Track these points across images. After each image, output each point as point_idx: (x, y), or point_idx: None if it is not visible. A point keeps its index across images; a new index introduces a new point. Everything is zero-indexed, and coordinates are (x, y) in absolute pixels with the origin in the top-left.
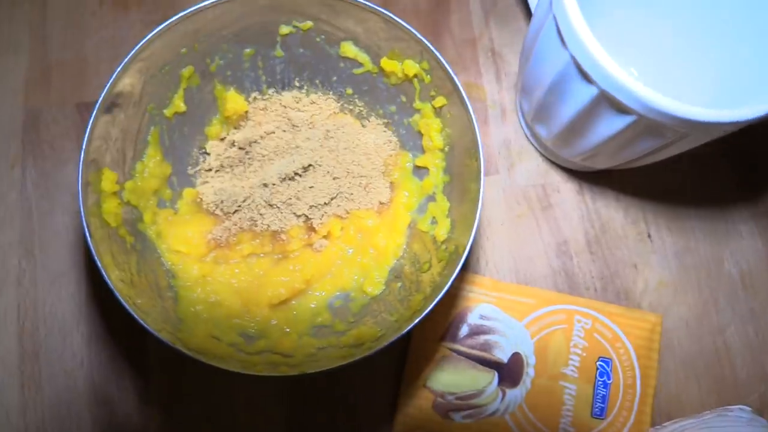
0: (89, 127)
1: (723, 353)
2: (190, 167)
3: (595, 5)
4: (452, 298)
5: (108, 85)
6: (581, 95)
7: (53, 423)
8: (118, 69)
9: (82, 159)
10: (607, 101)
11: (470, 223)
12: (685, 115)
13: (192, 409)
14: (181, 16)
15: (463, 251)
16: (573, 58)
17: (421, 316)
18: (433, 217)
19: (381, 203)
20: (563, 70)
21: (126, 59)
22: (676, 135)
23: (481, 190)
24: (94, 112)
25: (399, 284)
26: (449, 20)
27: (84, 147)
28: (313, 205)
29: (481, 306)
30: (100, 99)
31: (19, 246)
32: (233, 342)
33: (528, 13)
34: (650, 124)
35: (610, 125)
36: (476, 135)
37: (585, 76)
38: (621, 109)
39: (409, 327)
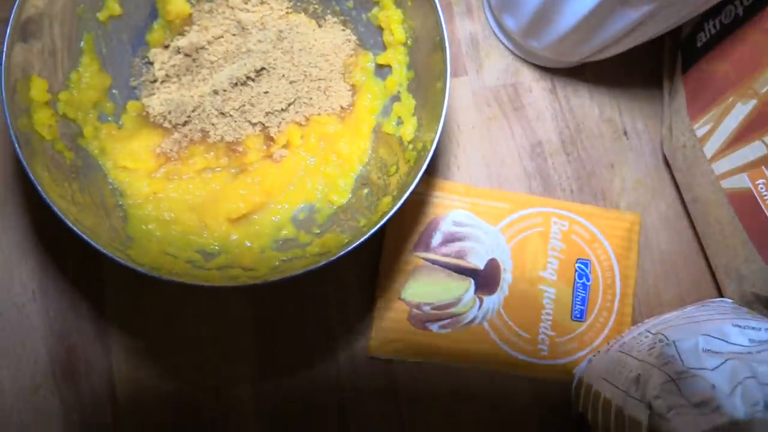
0: (9, 27)
1: (702, 250)
2: (133, 78)
3: None
4: (423, 205)
5: None
6: None
7: (7, 362)
8: None
9: (3, 64)
10: None
11: (437, 116)
12: None
13: (154, 334)
14: None
15: (431, 146)
16: None
17: (389, 215)
18: (399, 118)
19: (342, 107)
20: None
21: None
22: (650, 5)
23: (448, 80)
24: (10, 23)
25: (366, 191)
26: None
27: (5, 51)
28: (269, 112)
29: (454, 212)
30: (15, 8)
31: None
32: (190, 258)
33: None
34: None
35: (580, 3)
36: (440, 20)
37: None
38: None
39: (375, 228)
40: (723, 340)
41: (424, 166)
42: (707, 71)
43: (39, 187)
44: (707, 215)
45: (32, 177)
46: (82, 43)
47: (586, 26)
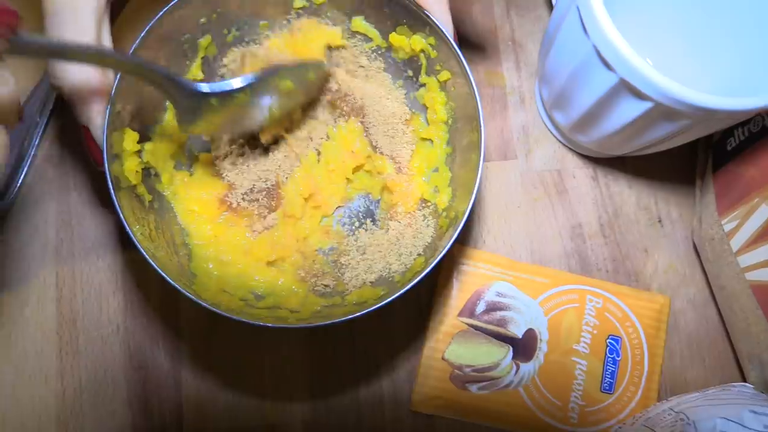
0: (113, 91)
1: (727, 335)
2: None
3: None
4: (470, 275)
5: (129, 53)
6: (601, 83)
7: (89, 387)
8: (140, 36)
9: (107, 120)
10: (625, 88)
11: (470, 190)
12: (698, 102)
13: (220, 371)
14: None
15: (462, 217)
16: (595, 47)
17: (421, 275)
18: (436, 186)
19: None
20: (585, 59)
21: (147, 28)
22: (689, 121)
23: (481, 159)
24: (117, 79)
25: None
26: (471, 10)
27: (108, 110)
28: None
29: (498, 284)
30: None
31: (57, 218)
32: (244, 297)
33: (548, 3)
34: (665, 111)
35: (627, 111)
36: (478, 107)
37: (606, 65)
38: (639, 95)
39: (408, 285)
40: (739, 424)
41: (456, 234)
42: (735, 173)
43: (125, 223)
44: (732, 303)
45: (121, 214)
46: (167, 101)
47: (629, 131)
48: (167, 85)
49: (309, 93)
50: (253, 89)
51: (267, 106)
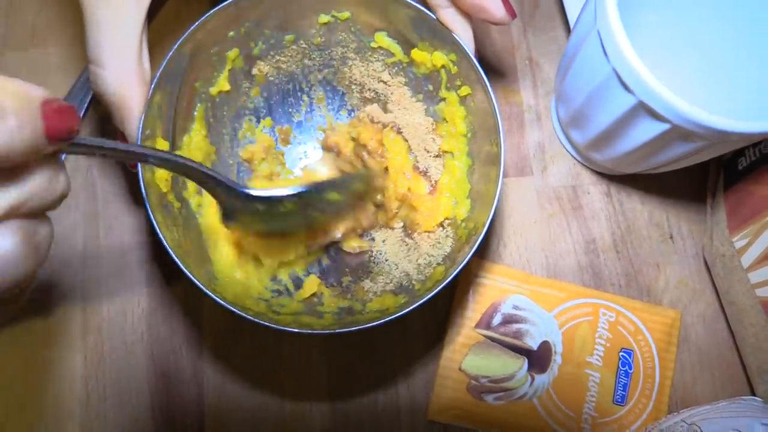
0: (147, 102)
1: (737, 349)
2: (229, 146)
3: (632, 14)
4: (487, 288)
5: (163, 64)
6: (620, 104)
7: (113, 393)
8: (173, 49)
9: (140, 127)
10: (643, 110)
11: (490, 203)
12: (716, 125)
13: (242, 378)
14: (227, 4)
15: (482, 228)
16: (615, 70)
17: (441, 285)
18: (455, 199)
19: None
20: (604, 81)
21: (180, 41)
22: (705, 142)
23: (501, 172)
24: (151, 89)
25: None
26: (489, 29)
27: (142, 119)
28: None
29: (514, 297)
30: (156, 77)
31: (84, 226)
32: (267, 300)
33: (565, 23)
34: (682, 132)
35: (644, 132)
36: (498, 122)
37: (625, 87)
38: (656, 117)
39: (430, 294)
40: None
41: (477, 245)
42: (746, 191)
43: (157, 227)
44: (742, 318)
45: (154, 220)
46: (196, 112)
47: (645, 151)
48: (213, 184)
49: (356, 201)
50: (301, 199)
51: (312, 213)
